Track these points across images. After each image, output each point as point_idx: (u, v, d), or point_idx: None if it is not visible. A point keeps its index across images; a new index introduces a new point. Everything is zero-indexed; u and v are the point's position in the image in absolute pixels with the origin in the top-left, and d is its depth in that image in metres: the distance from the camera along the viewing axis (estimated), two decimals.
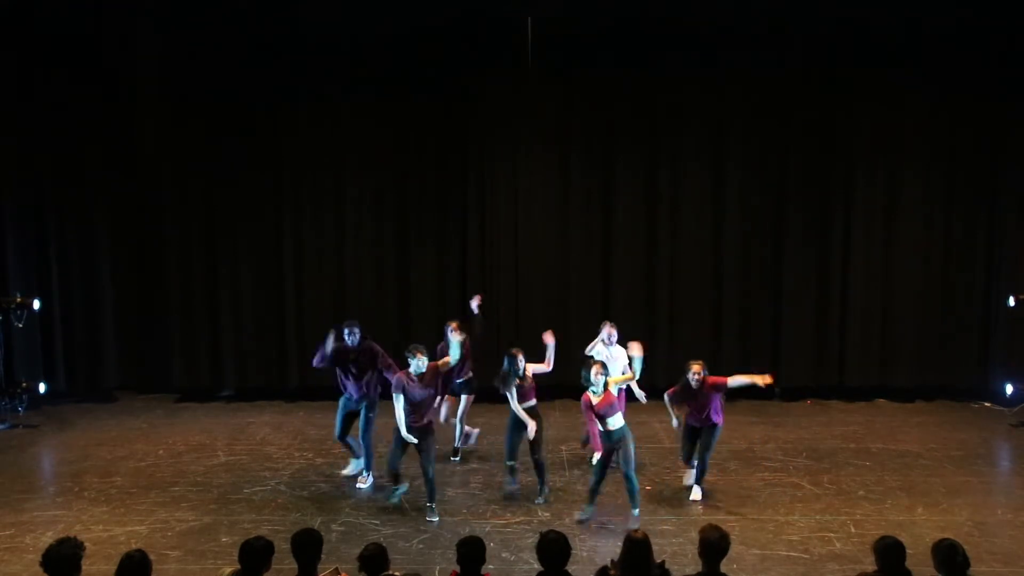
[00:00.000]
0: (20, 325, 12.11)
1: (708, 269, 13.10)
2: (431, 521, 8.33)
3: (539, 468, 8.91)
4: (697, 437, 8.97)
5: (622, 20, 12.42)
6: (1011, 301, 12.21)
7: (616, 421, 8.18)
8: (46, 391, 12.50)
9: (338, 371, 9.47)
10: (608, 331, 9.83)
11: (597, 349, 9.75)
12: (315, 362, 9.53)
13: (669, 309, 13.10)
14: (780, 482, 9.48)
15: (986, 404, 12.74)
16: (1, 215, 12.68)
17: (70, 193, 12.92)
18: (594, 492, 8.37)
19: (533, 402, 8.95)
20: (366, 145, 12.98)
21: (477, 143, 13.02)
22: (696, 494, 8.93)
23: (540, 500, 8.83)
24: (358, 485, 9.38)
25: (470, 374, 10.23)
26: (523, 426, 8.83)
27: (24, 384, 12.12)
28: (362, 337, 9.40)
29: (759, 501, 8.91)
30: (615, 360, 9.52)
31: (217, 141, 12.88)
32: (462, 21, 12.44)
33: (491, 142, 13.02)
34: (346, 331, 9.35)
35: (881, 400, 13.05)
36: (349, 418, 9.55)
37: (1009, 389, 12.28)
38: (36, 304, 12.15)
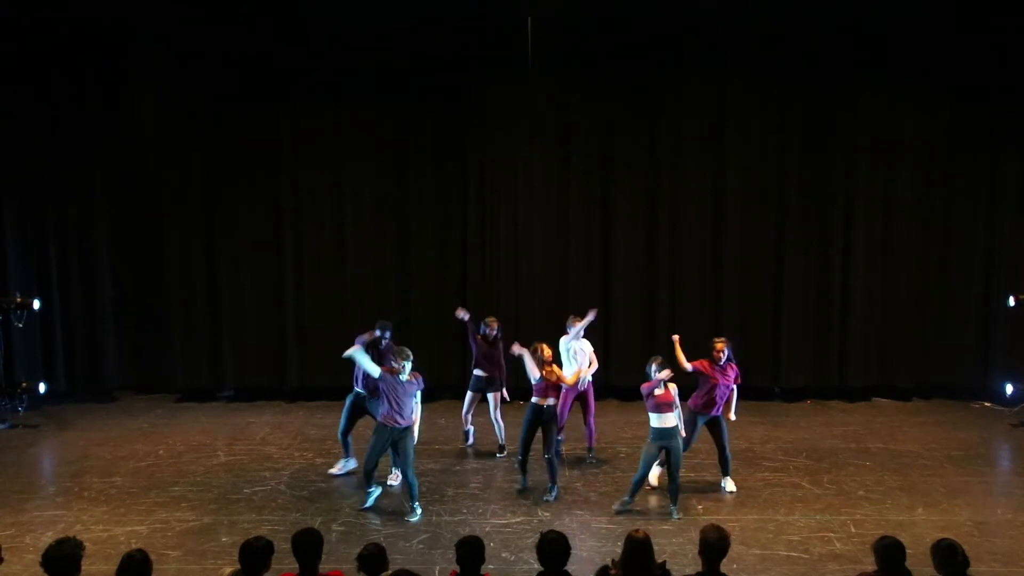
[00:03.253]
0: (20, 325, 12.10)
1: (708, 269, 13.09)
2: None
3: (550, 467, 8.93)
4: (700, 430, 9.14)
5: (622, 20, 12.41)
6: (1011, 301, 12.20)
7: (667, 420, 8.41)
8: (46, 391, 12.49)
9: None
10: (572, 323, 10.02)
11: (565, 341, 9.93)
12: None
13: (669, 309, 13.07)
14: (780, 482, 9.48)
15: (986, 404, 12.74)
16: (1, 215, 12.68)
17: (70, 194, 12.92)
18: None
19: (551, 401, 8.98)
20: (366, 145, 12.98)
21: (477, 143, 13.02)
22: (730, 486, 9.11)
23: (549, 498, 8.86)
24: (389, 482, 9.32)
25: (482, 372, 10.38)
26: (535, 423, 8.92)
27: (24, 384, 12.10)
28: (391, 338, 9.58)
29: (759, 501, 8.91)
30: (583, 352, 9.90)
31: (217, 141, 12.89)
32: (462, 21, 12.44)
33: (491, 142, 13.02)
34: (378, 332, 9.49)
35: (881, 400, 13.04)
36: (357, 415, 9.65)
37: (1009, 389, 12.29)
38: (36, 304, 12.14)
